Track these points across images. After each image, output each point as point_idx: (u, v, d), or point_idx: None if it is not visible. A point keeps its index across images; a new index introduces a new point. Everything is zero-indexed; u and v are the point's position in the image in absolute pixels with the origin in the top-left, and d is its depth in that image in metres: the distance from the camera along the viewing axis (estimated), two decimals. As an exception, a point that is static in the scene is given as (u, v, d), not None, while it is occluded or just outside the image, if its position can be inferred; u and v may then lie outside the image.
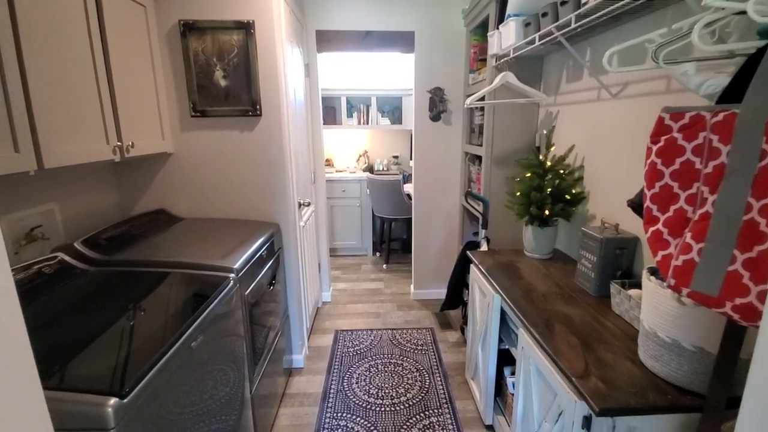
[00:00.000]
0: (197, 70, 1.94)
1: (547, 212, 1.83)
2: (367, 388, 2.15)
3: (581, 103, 1.87)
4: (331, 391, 2.14)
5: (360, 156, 4.65)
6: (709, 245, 0.61)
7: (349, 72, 4.34)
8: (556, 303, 1.49)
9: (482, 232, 2.33)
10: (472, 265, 2.02)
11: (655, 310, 1.05)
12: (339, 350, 2.53)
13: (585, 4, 1.36)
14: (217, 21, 1.88)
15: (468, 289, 2.45)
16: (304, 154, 2.66)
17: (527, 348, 1.35)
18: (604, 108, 1.70)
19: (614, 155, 1.64)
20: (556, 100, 2.11)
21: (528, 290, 1.61)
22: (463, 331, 2.65)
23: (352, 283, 3.61)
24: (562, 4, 1.51)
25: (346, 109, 4.35)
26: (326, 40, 2.83)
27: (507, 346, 1.72)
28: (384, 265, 4.01)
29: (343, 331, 2.77)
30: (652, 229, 0.71)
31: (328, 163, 4.63)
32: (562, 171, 1.85)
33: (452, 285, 2.45)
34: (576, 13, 1.39)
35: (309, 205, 2.53)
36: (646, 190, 0.72)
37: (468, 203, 2.55)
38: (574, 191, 1.83)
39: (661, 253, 0.68)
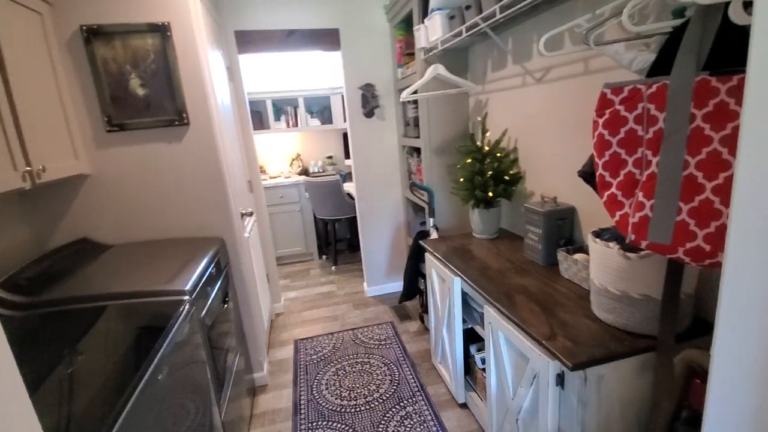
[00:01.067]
0: (109, 80, 1.75)
1: (490, 194, 1.94)
2: (339, 391, 2.12)
3: (508, 90, 2.00)
4: (302, 402, 2.07)
5: (293, 160, 4.53)
6: (658, 201, 0.70)
7: (273, 73, 4.19)
8: (511, 277, 1.59)
9: (430, 221, 2.41)
10: (427, 254, 2.07)
11: (603, 268, 1.17)
12: (302, 359, 2.45)
13: (507, -5, 1.45)
14: (126, 24, 1.70)
15: (424, 278, 2.51)
16: (239, 162, 2.53)
17: (494, 322, 1.42)
18: (529, 92, 1.84)
19: (543, 135, 1.79)
20: (484, 88, 2.23)
21: (484, 269, 1.69)
22: (422, 319, 2.72)
23: (303, 290, 3.52)
24: (485, -4, 1.60)
25: (273, 112, 4.20)
26: (247, 41, 2.71)
27: (471, 326, 1.80)
28: (333, 267, 3.97)
29: (302, 339, 2.69)
30: (607, 193, 0.78)
31: (261, 169, 4.44)
32: (499, 154, 1.97)
33: (408, 276, 2.50)
34: (500, 4, 1.48)
35: (251, 214, 2.41)
36: (597, 159, 0.80)
37: (413, 194, 2.61)
38: (512, 172, 1.96)
39: (618, 213, 0.76)
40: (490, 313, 1.45)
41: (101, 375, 0.91)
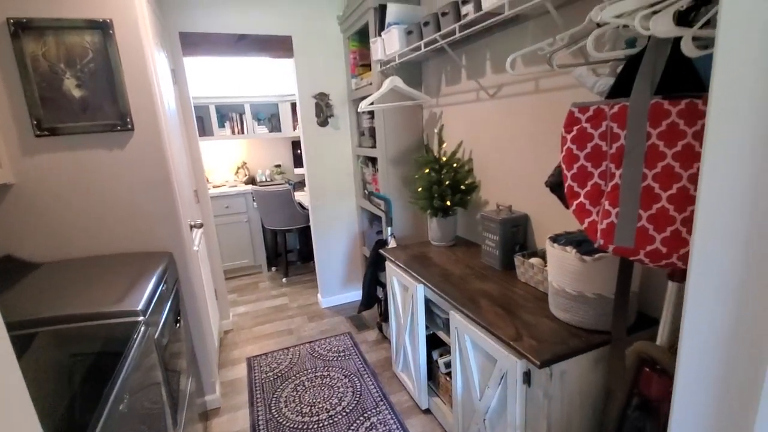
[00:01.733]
0: (38, 79, 1.57)
1: (448, 203, 2.02)
2: (299, 408, 2.05)
3: (463, 104, 2.10)
4: (260, 422, 1.98)
5: (239, 168, 4.34)
6: (622, 209, 0.78)
7: (217, 78, 4.01)
8: (473, 282, 1.66)
9: (388, 230, 2.43)
10: (387, 262, 2.10)
11: (561, 271, 1.26)
12: (257, 378, 2.34)
13: (466, 15, 1.54)
14: (61, 20, 1.55)
15: (383, 287, 2.53)
16: (185, 170, 2.38)
17: (461, 327, 1.47)
18: (483, 107, 1.95)
19: (497, 147, 1.90)
20: (438, 101, 2.32)
21: (446, 275, 1.75)
22: (380, 327, 2.73)
23: (253, 305, 3.37)
24: (443, 15, 1.67)
25: (217, 118, 4.01)
26: (193, 43, 2.57)
27: (433, 331, 1.84)
28: (284, 279, 3.85)
29: (255, 356, 2.57)
30: (575, 202, 0.86)
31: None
32: (455, 165, 2.06)
33: (367, 285, 2.50)
34: (459, 23, 1.56)
35: (201, 226, 2.28)
36: (566, 171, 0.87)
37: (371, 203, 2.63)
38: (467, 182, 2.05)
39: (587, 221, 0.84)
40: (456, 318, 1.50)
41: (46, 416, 0.81)
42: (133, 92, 1.69)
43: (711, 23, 0.69)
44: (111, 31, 1.62)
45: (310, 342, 2.69)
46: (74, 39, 1.59)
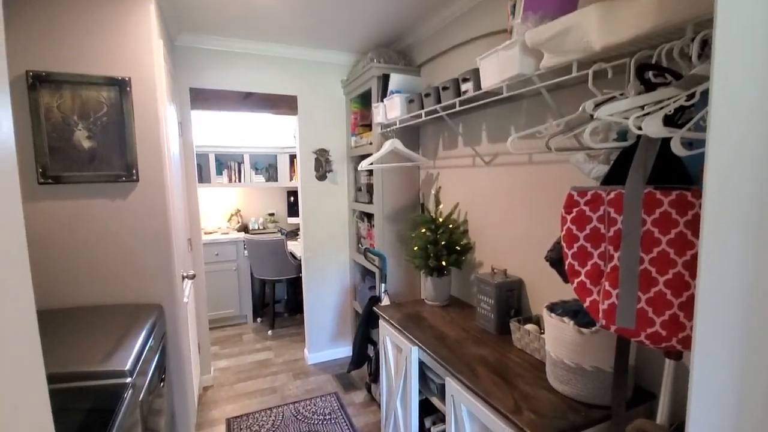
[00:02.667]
0: (49, 129, 1.61)
1: (443, 263, 2.04)
2: (281, 478, 1.92)
3: (459, 167, 2.20)
4: (238, 494, 1.83)
5: (232, 215, 4.35)
6: (622, 290, 0.81)
7: (219, 128, 4.13)
8: (469, 347, 1.64)
9: (381, 287, 2.43)
10: (381, 321, 2.07)
11: (558, 341, 1.27)
12: (237, 441, 2.20)
13: (465, 92, 1.66)
14: (81, 75, 1.62)
15: (373, 345, 2.47)
16: (182, 219, 2.39)
17: (457, 395, 1.44)
18: (479, 172, 2.04)
19: (492, 211, 1.97)
20: (435, 163, 2.43)
21: (441, 338, 1.73)
22: (369, 388, 2.63)
23: (235, 359, 3.23)
24: (444, 89, 1.80)
25: (216, 166, 4.08)
26: (203, 98, 2.68)
27: (425, 396, 1.79)
28: (269, 332, 3.73)
29: (235, 417, 2.43)
30: (577, 280, 0.89)
31: (195, 224, 4.19)
32: (451, 225, 2.11)
33: (358, 343, 2.44)
34: (459, 99, 1.68)
35: (193, 277, 2.24)
36: (566, 250, 0.91)
37: (366, 259, 2.64)
38: (462, 242, 2.09)
39: (588, 299, 0.87)
40: (452, 385, 1.46)
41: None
42: (141, 145, 1.74)
43: (698, 123, 0.77)
44: (128, 88, 1.69)
45: (294, 402, 2.56)
46: (91, 93, 1.65)
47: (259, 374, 2.95)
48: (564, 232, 0.91)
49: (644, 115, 0.77)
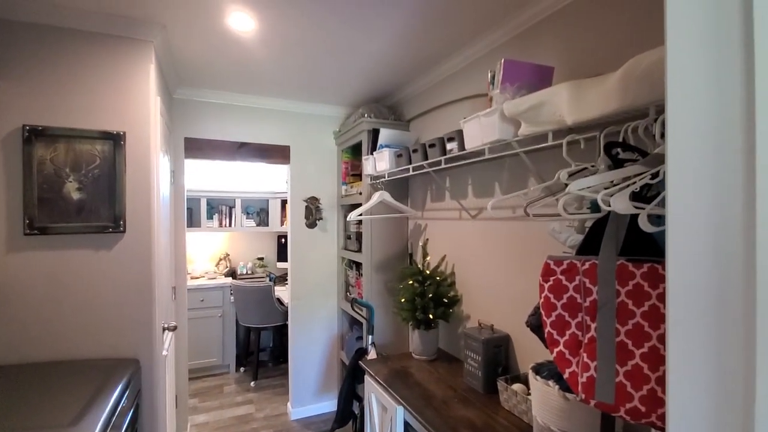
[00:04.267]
0: (40, 181, 1.63)
1: (431, 316, 2.02)
2: None
3: (447, 220, 2.23)
4: None
5: (221, 259, 4.31)
6: (600, 363, 0.81)
7: (212, 174, 4.18)
8: (456, 408, 1.59)
9: (369, 338, 2.38)
10: (366, 376, 2.01)
11: (544, 406, 1.24)
12: None
13: (451, 151, 1.73)
14: (77, 129, 1.66)
15: (359, 402, 2.38)
16: (167, 267, 2.36)
17: (443, 463, 1.38)
18: (465, 225, 2.07)
19: (478, 264, 1.98)
20: (423, 215, 2.47)
21: (428, 398, 1.68)
22: (354, 448, 2.50)
23: (214, 413, 3.08)
24: (431, 146, 1.88)
25: (207, 210, 4.09)
26: (197, 147, 2.74)
27: (412, 461, 1.70)
28: (252, 383, 3.58)
29: (211, 480, 2.28)
30: (556, 350, 0.89)
31: (182, 268, 4.12)
32: (438, 278, 2.11)
33: (343, 399, 2.35)
34: (444, 157, 1.75)
35: (175, 328, 2.18)
36: (545, 318, 0.92)
37: (353, 309, 2.61)
38: (450, 295, 2.09)
39: (567, 371, 0.86)
40: (439, 452, 1.41)
41: None
42: (131, 197, 1.75)
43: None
44: (122, 142, 1.73)
45: (275, 464, 2.42)
46: (85, 147, 1.69)
47: (239, 431, 2.80)
48: (542, 300, 0.92)
49: (614, 189, 0.81)
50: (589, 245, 0.92)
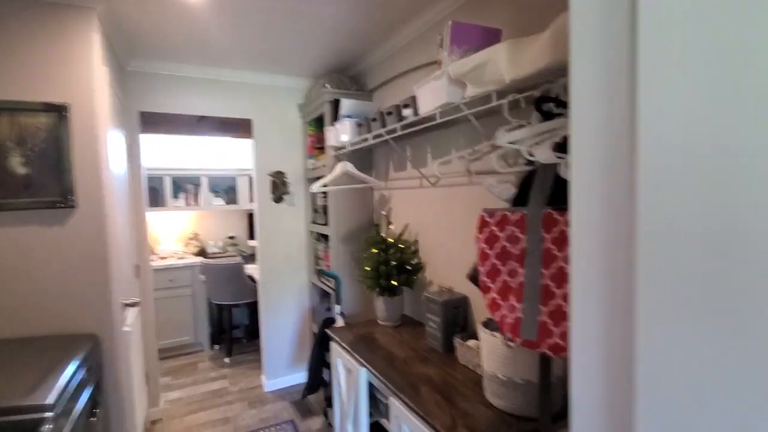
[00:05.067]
0: (-20, 155, 1.56)
1: (395, 282, 2.07)
2: None
3: (409, 189, 2.27)
4: None
5: (190, 239, 4.24)
6: (525, 305, 0.87)
7: (176, 151, 4.06)
8: (416, 366, 1.66)
9: (336, 308, 2.42)
10: (332, 343, 2.06)
11: (491, 356, 1.32)
12: (183, 477, 2.09)
13: (406, 117, 1.74)
14: (16, 102, 1.59)
15: (328, 369, 2.44)
16: (127, 245, 2.32)
17: (400, 415, 1.45)
18: (426, 193, 2.11)
19: (438, 230, 2.03)
20: (387, 185, 2.49)
21: (390, 359, 1.74)
22: (326, 414, 2.58)
23: (188, 389, 3.10)
24: (388, 114, 1.88)
25: (172, 189, 4.00)
26: (153, 122, 2.66)
27: (377, 419, 1.78)
28: (227, 359, 3.60)
29: (185, 451, 2.32)
30: (488, 296, 0.94)
31: (150, 250, 4.04)
32: (401, 245, 2.16)
33: (313, 367, 2.41)
34: (400, 123, 1.76)
35: (136, 304, 2.16)
36: (480, 268, 0.96)
37: (320, 281, 2.64)
38: (413, 262, 2.14)
39: (497, 314, 0.92)
40: (396, 406, 1.47)
41: None
42: (80, 171, 1.70)
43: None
44: (66, 114, 1.67)
45: (248, 432, 2.47)
46: (28, 120, 1.62)
47: (213, 404, 2.84)
48: (478, 252, 0.97)
49: (538, 142, 0.85)
50: (522, 197, 0.96)
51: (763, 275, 0.43)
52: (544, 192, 0.89)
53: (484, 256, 0.95)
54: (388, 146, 2.42)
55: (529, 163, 1.02)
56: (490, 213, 0.95)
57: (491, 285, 0.94)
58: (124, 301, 2.06)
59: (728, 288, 0.46)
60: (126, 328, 2.05)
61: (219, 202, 4.24)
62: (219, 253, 4.23)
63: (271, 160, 2.93)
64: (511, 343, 1.13)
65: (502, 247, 0.93)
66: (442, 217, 2.00)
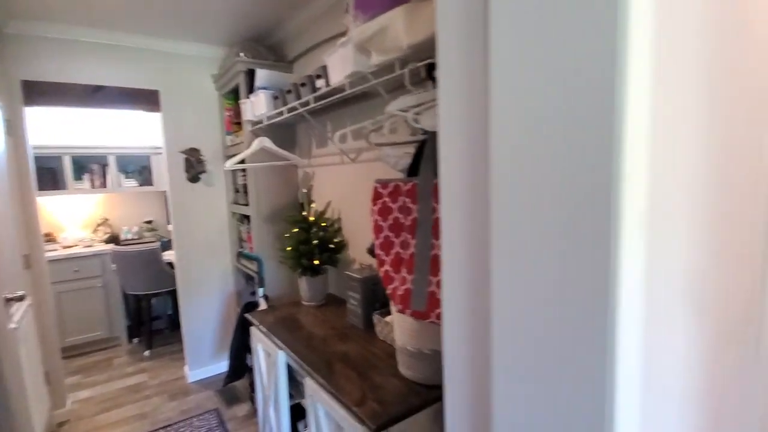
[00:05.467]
0: None
1: (316, 262, 2.02)
2: None
3: (331, 165, 2.20)
4: None
5: (99, 225, 3.85)
6: (416, 276, 0.86)
7: (76, 126, 3.61)
8: (334, 344, 1.64)
9: (260, 291, 2.33)
10: (252, 328, 1.98)
11: (402, 329, 1.32)
12: (90, 481, 1.93)
13: (319, 89, 1.66)
14: None
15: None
16: (9, 233, 2.03)
17: (315, 394, 1.42)
18: (348, 169, 2.06)
19: (358, 208, 2.00)
20: (310, 162, 2.40)
21: (309, 338, 1.71)
22: (252, 400, 2.50)
23: (100, 387, 2.85)
24: (302, 85, 1.78)
25: (73, 170, 3.56)
26: (39, 92, 2.31)
27: (298, 400, 1.75)
28: (146, 352, 3.36)
29: (93, 453, 2.14)
30: (382, 269, 0.92)
31: (50, 238, 3.61)
32: (324, 224, 2.10)
33: (234, 352, 2.31)
34: (314, 95, 1.67)
35: (22, 299, 1.91)
36: (375, 240, 0.94)
37: (241, 264, 2.51)
38: (336, 240, 2.10)
39: (390, 287, 0.90)
40: (310, 385, 1.45)
41: None
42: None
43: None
44: None
45: (166, 426, 2.34)
46: None
47: (128, 401, 2.64)
48: (373, 224, 0.94)
49: (426, 110, 0.83)
50: (416, 168, 0.94)
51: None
52: (434, 161, 0.87)
53: (378, 229, 0.93)
54: (309, 122, 2.32)
55: (426, 132, 1.00)
56: (383, 184, 0.92)
57: (385, 258, 0.92)
58: (6, 296, 1.81)
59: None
60: (12, 326, 1.81)
61: (131, 183, 3.87)
62: (135, 239, 3.89)
63: (185, 136, 2.69)
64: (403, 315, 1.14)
65: (395, 218, 0.91)
66: (362, 193, 1.97)
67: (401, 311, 0.87)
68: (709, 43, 0.51)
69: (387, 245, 0.92)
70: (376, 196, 0.93)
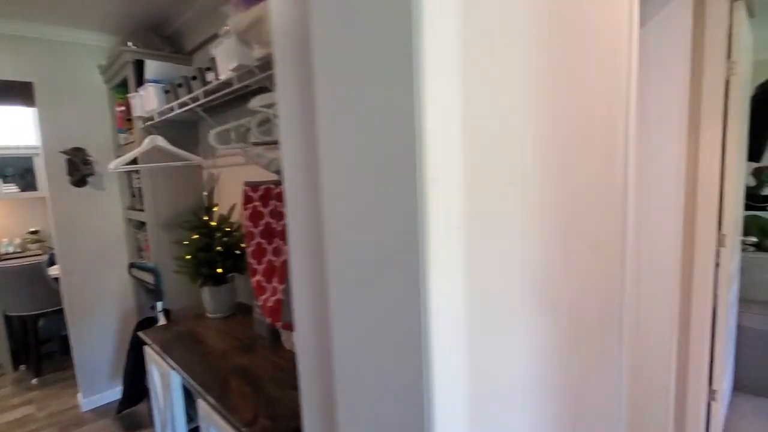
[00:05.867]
0: None
1: (219, 270, 1.87)
2: None
3: (236, 166, 2.05)
4: None
5: (-32, 238, 3.28)
6: (287, 285, 0.79)
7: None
8: (234, 358, 1.52)
9: (158, 305, 2.12)
10: (145, 347, 1.78)
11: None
12: None
13: (209, 83, 1.53)
14: None
15: (151, 374, 2.14)
16: None
17: (207, 417, 1.30)
18: (253, 170, 1.92)
19: (266, 210, 1.89)
20: (215, 162, 2.23)
21: (206, 355, 1.57)
22: (155, 425, 2.27)
23: (-28, 427, 2.43)
24: (193, 78, 1.63)
25: (-71, 174, 3.00)
26: None
27: (197, 424, 1.60)
28: (35, 380, 2.94)
29: None
30: (254, 279, 0.85)
31: None
32: (228, 228, 1.95)
33: (128, 375, 2.08)
34: (204, 89, 1.54)
35: None
36: (247, 248, 0.86)
37: (135, 276, 2.27)
38: (242, 246, 1.96)
39: (261, 298, 0.83)
40: (203, 407, 1.32)
41: None
42: None
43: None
44: None
45: (50, 466, 2.04)
46: None
47: (5, 441, 2.28)
48: (244, 230, 0.86)
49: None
50: (290, 169, 0.88)
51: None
52: (306, 161, 0.81)
53: (249, 235, 0.85)
54: (213, 119, 2.15)
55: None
56: (254, 186, 0.85)
57: (257, 266, 0.85)
58: None
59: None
60: None
61: (11, 188, 3.35)
62: (17, 253, 3.38)
63: (66, 134, 2.37)
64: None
65: (267, 223, 0.84)
66: (268, 195, 1.86)
67: (272, 324, 0.80)
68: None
69: (259, 253, 0.84)
70: (247, 200, 0.85)
